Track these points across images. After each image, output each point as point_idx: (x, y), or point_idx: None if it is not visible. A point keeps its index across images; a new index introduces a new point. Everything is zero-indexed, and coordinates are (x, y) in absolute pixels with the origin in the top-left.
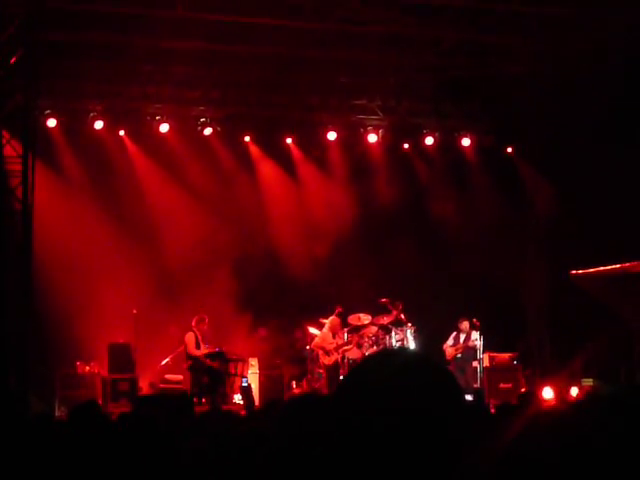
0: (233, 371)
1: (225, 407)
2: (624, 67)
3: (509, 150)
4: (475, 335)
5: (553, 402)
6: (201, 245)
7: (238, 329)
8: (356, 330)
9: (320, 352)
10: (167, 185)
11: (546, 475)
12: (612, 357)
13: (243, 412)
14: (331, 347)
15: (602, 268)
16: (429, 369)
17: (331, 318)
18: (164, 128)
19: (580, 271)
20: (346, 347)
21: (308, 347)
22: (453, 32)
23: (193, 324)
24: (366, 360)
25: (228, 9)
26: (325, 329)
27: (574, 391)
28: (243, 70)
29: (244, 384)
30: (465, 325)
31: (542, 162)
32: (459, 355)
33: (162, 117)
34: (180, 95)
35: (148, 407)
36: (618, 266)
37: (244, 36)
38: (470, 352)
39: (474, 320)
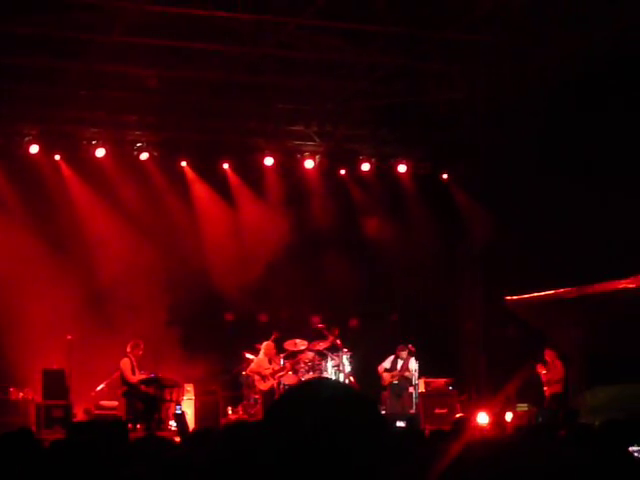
0: (168, 397)
1: (160, 433)
2: (559, 93)
3: (445, 177)
4: (413, 364)
5: (488, 427)
6: (136, 270)
7: (174, 354)
8: (292, 356)
9: (256, 377)
10: (102, 210)
11: None
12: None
13: (177, 438)
14: (267, 373)
15: (536, 294)
16: (353, 402)
17: (266, 343)
18: (100, 152)
19: (515, 297)
20: (282, 373)
21: (244, 373)
22: (389, 58)
23: (128, 350)
24: (290, 391)
25: (165, 34)
26: (261, 355)
27: (509, 416)
28: (180, 95)
29: (177, 411)
30: (404, 354)
31: (478, 188)
32: (396, 382)
33: (98, 141)
34: (116, 120)
35: (82, 434)
36: (552, 292)
37: (181, 61)
38: (406, 378)
39: (410, 346)
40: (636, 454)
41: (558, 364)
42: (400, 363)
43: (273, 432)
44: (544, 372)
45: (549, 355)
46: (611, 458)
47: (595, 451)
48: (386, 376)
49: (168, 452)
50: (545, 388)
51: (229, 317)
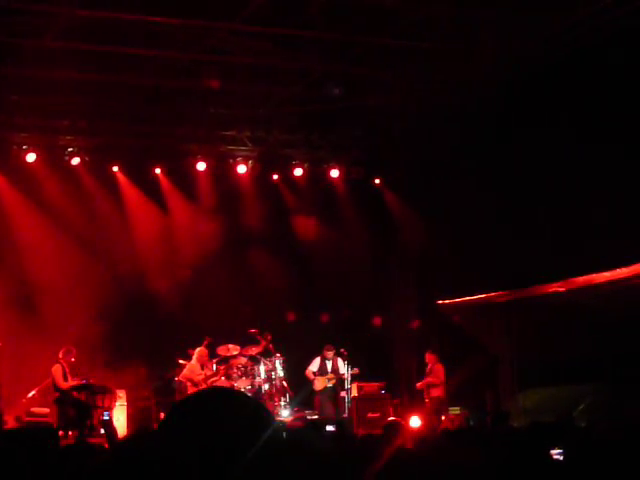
0: (100, 403)
1: (92, 440)
2: (489, 99)
3: (377, 181)
4: (341, 364)
5: (420, 430)
6: (68, 276)
7: (106, 360)
8: (225, 361)
9: (188, 384)
10: (33, 215)
11: None
12: (478, 385)
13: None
14: (199, 379)
15: (468, 298)
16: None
17: (199, 349)
18: (31, 158)
19: (447, 301)
20: (214, 378)
21: (176, 379)
22: (321, 63)
23: (60, 356)
24: (186, 400)
25: (96, 39)
26: (193, 360)
27: (441, 419)
28: (112, 100)
29: (105, 417)
30: (330, 354)
31: (409, 193)
32: (330, 385)
33: (29, 147)
34: (47, 125)
35: (12, 441)
36: (484, 296)
37: (112, 66)
38: (341, 381)
39: (342, 350)
40: (558, 456)
41: (439, 368)
42: (329, 364)
43: (166, 444)
44: (427, 375)
45: (430, 359)
46: (531, 460)
47: (516, 453)
48: (318, 381)
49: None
50: (424, 392)
51: (161, 323)
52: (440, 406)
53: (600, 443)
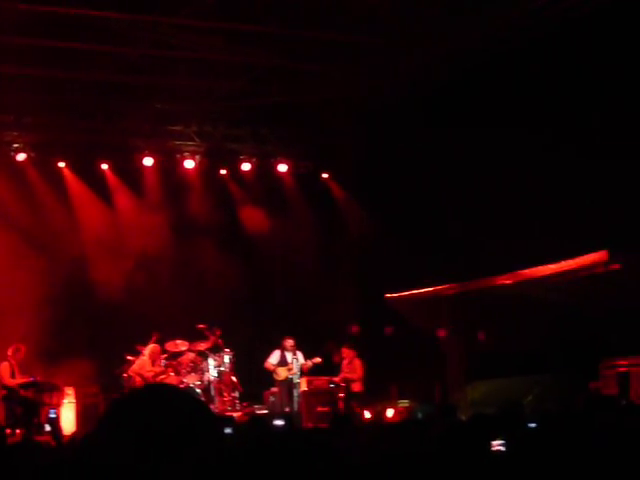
0: (48, 401)
1: (39, 438)
2: (436, 92)
3: (325, 176)
4: (301, 355)
5: (369, 423)
6: (14, 273)
7: (54, 357)
8: (174, 357)
9: (137, 378)
10: None
11: None
12: (427, 378)
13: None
14: (149, 375)
15: (416, 291)
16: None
17: (151, 346)
18: None
19: (395, 294)
20: (162, 376)
21: (125, 374)
22: (267, 58)
23: (9, 354)
24: (125, 398)
25: (42, 34)
26: (145, 356)
27: (390, 412)
28: (58, 95)
29: (51, 415)
30: (290, 343)
31: (357, 187)
32: (291, 376)
33: None
34: None
35: None
36: (431, 289)
37: (58, 61)
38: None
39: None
40: (500, 447)
41: (357, 363)
42: (289, 355)
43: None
44: (345, 371)
45: (347, 354)
46: (472, 452)
47: (458, 445)
48: (281, 370)
49: (43, 457)
50: (341, 386)
51: (110, 319)
52: (358, 401)
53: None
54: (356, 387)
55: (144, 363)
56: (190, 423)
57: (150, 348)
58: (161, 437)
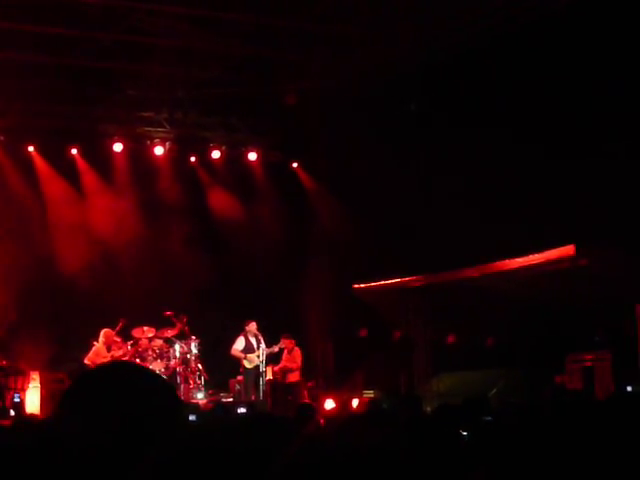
0: (13, 385)
1: (3, 422)
2: (407, 81)
3: (295, 165)
4: (262, 342)
5: (333, 413)
6: None
7: (19, 341)
8: (140, 343)
9: (93, 367)
10: None
11: None
12: (393, 368)
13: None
14: (104, 360)
15: (383, 282)
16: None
17: (104, 331)
18: None
19: (362, 284)
20: (122, 358)
21: (86, 362)
22: (240, 46)
23: None
24: (86, 374)
25: (10, 17)
26: (99, 343)
27: (355, 402)
28: (28, 80)
29: (15, 399)
30: (252, 326)
31: (326, 176)
32: (259, 363)
33: None
34: None
35: None
36: (399, 280)
37: (30, 45)
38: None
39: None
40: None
41: (297, 353)
42: (254, 341)
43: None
44: (284, 360)
45: (286, 344)
46: (437, 442)
47: (423, 435)
48: (251, 357)
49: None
50: (279, 374)
51: (77, 304)
52: (296, 390)
53: (506, 425)
54: (293, 377)
55: (99, 350)
56: (155, 403)
57: (103, 333)
58: (125, 416)
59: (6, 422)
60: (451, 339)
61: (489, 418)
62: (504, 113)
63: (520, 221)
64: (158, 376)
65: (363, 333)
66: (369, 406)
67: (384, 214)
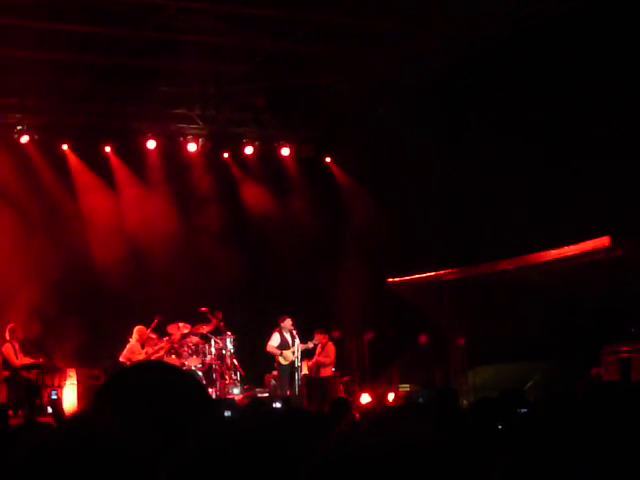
0: (50, 382)
1: (42, 419)
2: (439, 77)
3: (328, 159)
4: (296, 338)
5: (369, 407)
6: (16, 253)
7: (56, 339)
8: (174, 339)
9: (128, 364)
10: None
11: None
12: (429, 362)
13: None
14: (139, 357)
15: (418, 276)
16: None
17: (137, 328)
18: None
19: (397, 278)
20: (157, 355)
21: (121, 359)
22: (271, 42)
23: (7, 336)
24: (119, 373)
25: (43, 16)
26: (132, 340)
27: (391, 397)
28: (61, 78)
29: (53, 396)
30: (287, 322)
31: (359, 171)
32: (294, 359)
33: None
34: None
35: None
36: (433, 274)
37: (62, 43)
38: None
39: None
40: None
41: (330, 348)
42: (289, 337)
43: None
44: (318, 355)
45: (320, 338)
46: (474, 436)
47: (461, 429)
48: (286, 354)
49: (43, 437)
50: (312, 369)
51: (112, 302)
52: (330, 385)
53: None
54: (326, 372)
55: (133, 347)
56: (188, 402)
57: (136, 330)
58: (156, 414)
59: (44, 419)
60: (485, 332)
61: (525, 410)
62: (538, 104)
63: (555, 213)
64: (190, 375)
65: (423, 340)
66: (405, 400)
67: (417, 207)
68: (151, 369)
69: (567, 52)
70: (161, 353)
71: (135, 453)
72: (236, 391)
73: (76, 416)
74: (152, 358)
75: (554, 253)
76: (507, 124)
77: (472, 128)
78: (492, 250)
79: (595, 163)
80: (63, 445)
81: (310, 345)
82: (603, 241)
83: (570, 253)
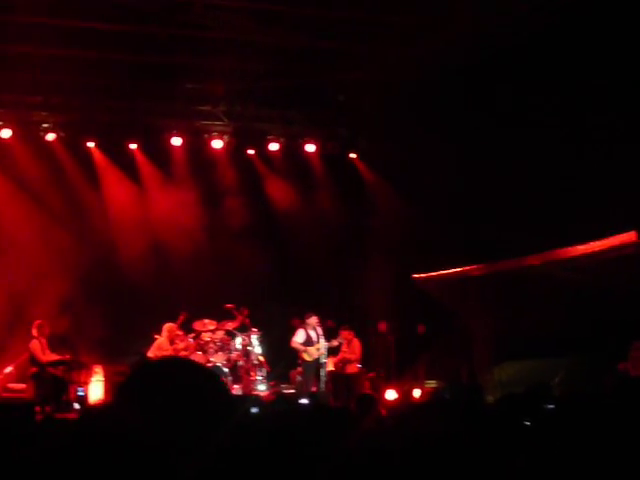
0: (77, 379)
1: (68, 415)
2: (462, 72)
3: (353, 156)
4: (321, 335)
5: (395, 403)
6: (42, 251)
7: (82, 336)
8: (201, 336)
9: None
10: (8, 190)
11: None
12: (454, 358)
13: None
14: (166, 354)
15: (443, 271)
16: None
17: (167, 325)
18: (6, 134)
19: (423, 274)
20: (184, 352)
21: (149, 355)
22: (296, 38)
23: (35, 332)
24: (143, 368)
25: (69, 14)
26: (162, 337)
27: (417, 393)
28: (87, 75)
29: (79, 393)
30: (313, 319)
31: (385, 168)
32: (317, 356)
33: (3, 122)
34: (21, 100)
35: None
36: (459, 269)
37: (87, 41)
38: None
39: (329, 322)
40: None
41: (356, 344)
42: (314, 334)
43: (127, 410)
44: (343, 351)
45: (345, 335)
46: (501, 431)
47: (487, 425)
48: (311, 350)
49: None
50: (338, 366)
51: (138, 299)
52: (356, 381)
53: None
54: (352, 368)
55: (161, 344)
56: (209, 399)
57: (166, 327)
58: (179, 409)
59: (71, 415)
60: (511, 328)
61: (552, 406)
62: (563, 100)
63: (581, 208)
64: (212, 373)
65: (421, 330)
66: (431, 396)
67: (443, 203)
68: (174, 365)
69: (586, 48)
70: (188, 351)
71: (155, 446)
72: (262, 388)
73: (96, 408)
74: (180, 354)
75: (581, 249)
76: (531, 120)
77: (498, 124)
78: (518, 245)
79: (622, 158)
80: (84, 437)
81: (335, 343)
82: (630, 236)
83: (597, 248)
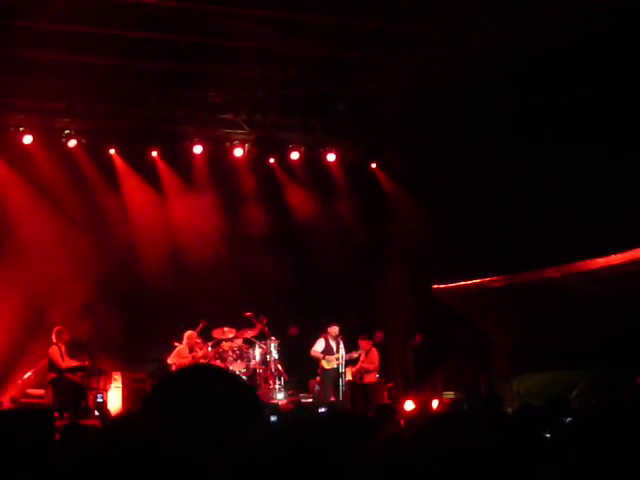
0: (95, 385)
1: (87, 422)
2: (484, 83)
3: (374, 165)
4: (341, 345)
5: (414, 414)
6: (63, 257)
7: (101, 343)
8: (220, 344)
9: (174, 368)
10: (30, 196)
11: None
12: (473, 369)
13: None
14: (186, 362)
15: (462, 283)
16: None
17: (188, 333)
18: (28, 139)
19: (442, 285)
20: (203, 360)
21: (169, 362)
22: (317, 47)
23: (54, 338)
24: (169, 376)
25: (94, 21)
26: (182, 344)
27: (435, 404)
28: (109, 82)
29: (99, 399)
30: (335, 330)
31: (405, 177)
32: (335, 366)
33: (25, 128)
34: (44, 106)
35: (7, 422)
36: (478, 281)
37: (110, 48)
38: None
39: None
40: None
41: (374, 354)
42: (334, 344)
43: (153, 420)
44: (362, 361)
45: (364, 345)
46: (518, 443)
47: (504, 436)
48: (329, 358)
49: (88, 438)
50: (356, 376)
51: (158, 306)
52: (374, 391)
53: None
54: (370, 378)
55: (181, 351)
56: (237, 407)
57: (186, 335)
58: (206, 418)
59: (90, 422)
60: (531, 339)
61: (570, 419)
62: (586, 114)
63: (602, 221)
64: (239, 379)
65: (396, 315)
66: (449, 407)
67: (463, 214)
68: (201, 372)
69: (614, 57)
70: (207, 359)
71: (183, 456)
72: (280, 396)
73: (122, 417)
74: (200, 362)
75: (601, 261)
76: (555, 130)
77: (519, 134)
78: (538, 257)
79: None
80: (110, 446)
81: (355, 355)
82: None
83: (617, 262)
